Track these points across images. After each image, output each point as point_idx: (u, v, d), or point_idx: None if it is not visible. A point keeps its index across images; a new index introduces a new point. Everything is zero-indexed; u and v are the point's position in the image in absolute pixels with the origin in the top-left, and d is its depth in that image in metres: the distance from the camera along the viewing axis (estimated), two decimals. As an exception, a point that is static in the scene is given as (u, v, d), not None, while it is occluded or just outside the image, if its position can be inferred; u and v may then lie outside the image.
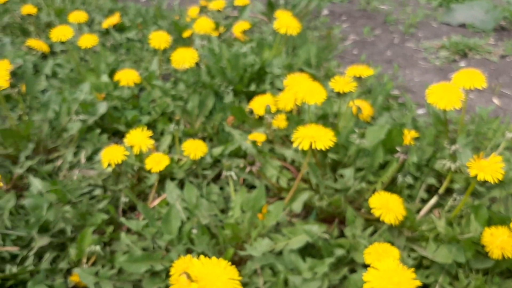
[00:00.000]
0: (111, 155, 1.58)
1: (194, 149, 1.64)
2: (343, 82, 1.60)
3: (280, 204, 1.45)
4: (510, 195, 1.52)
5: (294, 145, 1.38)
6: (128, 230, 1.57)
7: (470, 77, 1.64)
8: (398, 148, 1.46)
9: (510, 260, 1.37)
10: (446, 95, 1.55)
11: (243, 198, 1.47)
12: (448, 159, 1.50)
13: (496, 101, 2.40)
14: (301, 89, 1.59)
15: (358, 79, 1.65)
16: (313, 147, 1.35)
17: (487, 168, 1.29)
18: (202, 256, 1.13)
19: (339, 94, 1.63)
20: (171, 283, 1.10)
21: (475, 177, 1.29)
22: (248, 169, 1.50)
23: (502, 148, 1.70)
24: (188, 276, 1.09)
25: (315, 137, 1.36)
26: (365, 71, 1.68)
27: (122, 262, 1.32)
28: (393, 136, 1.62)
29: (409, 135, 1.64)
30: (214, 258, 1.13)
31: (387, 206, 1.35)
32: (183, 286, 1.08)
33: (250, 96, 2.11)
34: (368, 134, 1.64)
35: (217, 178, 1.80)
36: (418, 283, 1.09)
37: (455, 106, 1.55)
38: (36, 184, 1.53)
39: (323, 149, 1.35)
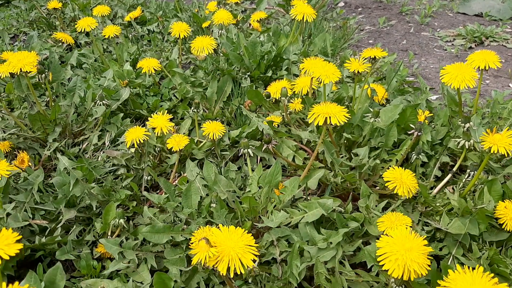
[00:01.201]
0: (134, 134, 1.65)
1: (213, 128, 1.70)
2: (357, 63, 1.64)
3: (296, 179, 1.49)
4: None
5: (310, 121, 1.42)
6: (151, 206, 1.63)
7: (485, 57, 1.66)
8: (412, 126, 1.50)
9: (524, 233, 1.39)
10: (460, 74, 1.58)
11: (260, 174, 1.52)
12: (462, 137, 1.53)
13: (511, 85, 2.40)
14: (316, 70, 1.63)
15: (373, 59, 1.69)
16: (328, 122, 1.40)
17: (500, 141, 1.31)
18: (220, 225, 1.18)
19: (354, 75, 1.67)
20: (191, 248, 1.16)
21: (489, 150, 1.32)
22: (264, 147, 1.55)
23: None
24: (207, 241, 1.15)
25: (330, 113, 1.40)
26: (380, 53, 1.72)
27: (144, 233, 1.39)
28: (407, 116, 1.65)
29: (423, 115, 1.67)
30: (232, 226, 1.18)
31: (401, 180, 1.38)
32: (202, 250, 1.13)
33: (267, 82, 2.16)
34: (383, 113, 1.68)
35: (235, 159, 1.85)
36: (430, 249, 1.12)
37: (469, 85, 1.57)
38: (63, 161, 1.61)
39: (338, 124, 1.39)
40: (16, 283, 0.98)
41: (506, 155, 1.31)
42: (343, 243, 1.39)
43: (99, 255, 1.49)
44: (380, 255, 1.11)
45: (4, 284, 1.05)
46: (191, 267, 1.35)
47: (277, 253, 1.39)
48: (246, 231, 1.18)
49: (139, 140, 1.65)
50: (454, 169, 1.60)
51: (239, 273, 1.11)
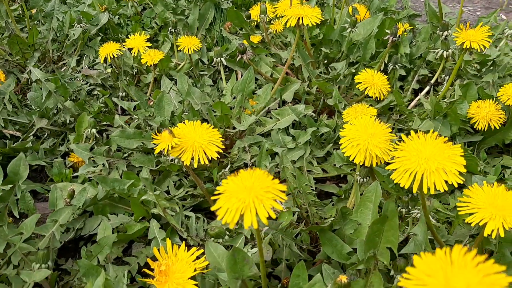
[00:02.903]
0: (108, 49, 1.63)
1: (188, 43, 1.67)
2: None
3: (269, 86, 1.47)
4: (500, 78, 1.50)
5: (282, 23, 1.39)
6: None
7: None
8: (387, 31, 1.46)
9: (498, 136, 1.37)
10: (440, -17, 1.53)
11: (233, 83, 1.50)
12: (440, 46, 1.49)
13: (503, 15, 2.33)
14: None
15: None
16: (300, 23, 1.36)
17: (473, 36, 1.28)
18: (186, 120, 1.16)
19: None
20: (154, 140, 1.14)
21: (462, 45, 1.28)
22: (239, 57, 1.52)
23: (503, 45, 1.67)
24: (171, 132, 1.13)
25: (302, 14, 1.37)
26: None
27: (114, 137, 1.38)
28: (385, 27, 1.61)
29: (402, 28, 1.63)
30: (198, 121, 1.17)
31: (372, 81, 1.36)
32: (165, 140, 1.12)
33: (249, 8, 2.11)
34: (361, 27, 1.64)
35: (214, 82, 1.83)
36: (393, 136, 1.10)
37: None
38: (36, 73, 1.59)
39: (310, 25, 1.36)
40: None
41: (478, 50, 1.27)
42: (313, 147, 1.38)
43: (71, 165, 1.49)
44: (343, 143, 1.10)
45: None
46: (160, 168, 1.35)
47: (248, 158, 1.39)
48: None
49: (113, 55, 1.63)
50: (433, 80, 1.57)
51: (202, 163, 1.10)
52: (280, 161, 1.25)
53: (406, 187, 0.86)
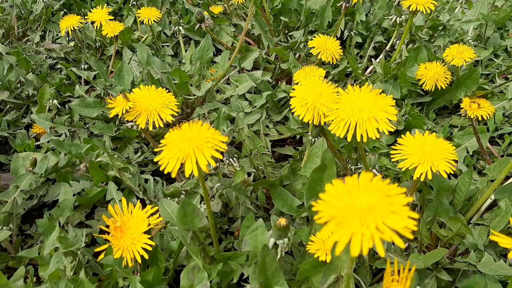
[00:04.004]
0: (68, 22, 1.64)
1: (148, 14, 1.68)
2: None
3: (226, 53, 1.50)
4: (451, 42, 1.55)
5: (236, -9, 1.42)
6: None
7: None
8: (342, -4, 1.49)
9: (446, 97, 1.43)
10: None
11: (192, 51, 1.53)
12: (394, 13, 1.54)
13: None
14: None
15: None
16: (253, -10, 1.39)
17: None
18: (141, 86, 1.19)
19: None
20: (109, 104, 1.16)
21: (409, 8, 1.33)
22: (197, 25, 1.55)
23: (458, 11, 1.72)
24: (125, 96, 1.16)
25: (255, -19, 1.40)
26: None
27: (74, 106, 1.40)
28: (342, -5, 1.65)
29: (359, -4, 1.66)
30: (153, 86, 1.20)
31: (325, 46, 1.40)
32: (120, 104, 1.15)
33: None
34: (318, -6, 1.68)
35: (176, 54, 1.85)
36: (339, 91, 1.15)
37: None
38: (-5, 46, 1.60)
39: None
40: None
41: (424, 12, 1.31)
42: (271, 112, 1.42)
43: (34, 135, 1.51)
44: (292, 103, 1.14)
45: None
46: (119, 135, 1.38)
47: (207, 123, 1.42)
48: (179, 108, 1.19)
49: (73, 28, 1.64)
50: (387, 47, 1.61)
51: (157, 126, 1.14)
52: (235, 124, 1.29)
53: (341, 136, 0.91)
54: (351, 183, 0.59)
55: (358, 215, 0.54)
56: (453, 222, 0.97)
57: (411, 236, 0.53)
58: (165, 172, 0.81)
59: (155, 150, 0.84)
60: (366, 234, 0.53)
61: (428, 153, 0.89)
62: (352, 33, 1.55)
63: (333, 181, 0.59)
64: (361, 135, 0.88)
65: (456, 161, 0.89)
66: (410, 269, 0.62)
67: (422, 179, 0.88)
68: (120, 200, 1.18)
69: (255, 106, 1.35)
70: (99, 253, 0.93)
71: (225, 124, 1.35)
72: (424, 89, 1.38)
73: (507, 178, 1.21)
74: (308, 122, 1.11)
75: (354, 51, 1.65)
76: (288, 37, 1.68)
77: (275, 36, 1.67)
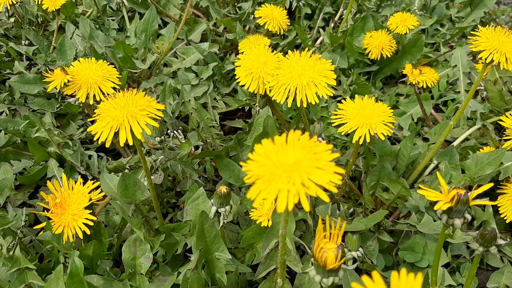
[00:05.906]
0: (5, -5, 1.55)
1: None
2: None
3: (172, 25, 1.46)
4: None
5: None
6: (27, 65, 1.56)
7: None
8: (287, -33, 1.48)
9: (393, 65, 1.45)
10: None
11: (136, 24, 1.48)
12: (341, -17, 1.53)
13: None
14: None
15: None
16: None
17: (363, -32, 1.32)
18: (81, 59, 1.15)
19: None
20: (46, 78, 1.12)
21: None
22: (142, -3, 1.50)
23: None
24: (63, 69, 1.12)
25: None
26: None
27: (12, 83, 1.34)
28: (290, -34, 1.63)
29: (307, -34, 1.65)
30: (93, 59, 1.15)
31: (272, 15, 1.38)
32: (58, 78, 1.11)
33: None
34: (266, -35, 1.65)
35: (122, 29, 1.79)
36: (279, 57, 1.14)
37: None
38: None
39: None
40: None
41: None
42: (220, 85, 1.40)
43: (-28, 115, 1.44)
44: (237, 72, 1.12)
45: None
46: (60, 111, 1.33)
47: (154, 98, 1.39)
48: (124, 82, 1.15)
49: (12, 2, 1.55)
50: (336, 17, 1.61)
51: (98, 99, 1.10)
52: (180, 97, 1.26)
53: (281, 103, 0.90)
54: (279, 142, 0.58)
55: (285, 172, 0.54)
56: (394, 185, 0.99)
57: (335, 190, 0.53)
58: (99, 142, 0.79)
59: (88, 120, 0.80)
60: (292, 190, 0.52)
61: (367, 116, 0.89)
62: (300, 3, 1.54)
63: (262, 140, 0.59)
64: (301, 100, 0.88)
65: (393, 124, 0.90)
66: (341, 227, 0.63)
67: (360, 142, 0.89)
68: (62, 177, 1.15)
69: (202, 78, 1.33)
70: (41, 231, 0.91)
71: (172, 97, 1.33)
72: (370, 58, 1.39)
73: (449, 142, 1.24)
74: (256, 93, 1.10)
75: (304, 23, 1.64)
76: (237, 8, 1.65)
77: (223, 7, 1.64)
